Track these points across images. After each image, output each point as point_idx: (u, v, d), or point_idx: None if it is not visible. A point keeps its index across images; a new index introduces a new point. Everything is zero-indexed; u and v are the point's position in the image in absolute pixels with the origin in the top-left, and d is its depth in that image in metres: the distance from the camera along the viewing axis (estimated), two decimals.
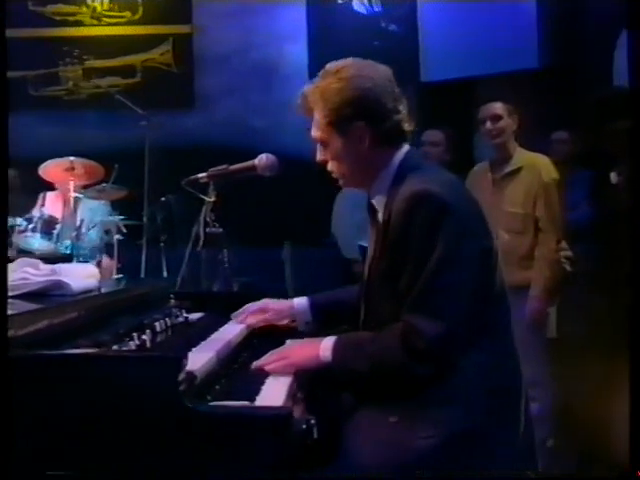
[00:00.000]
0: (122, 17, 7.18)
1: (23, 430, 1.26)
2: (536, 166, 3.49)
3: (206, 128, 6.87)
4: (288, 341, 1.91)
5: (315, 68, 7.45)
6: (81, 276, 1.95)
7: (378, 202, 1.86)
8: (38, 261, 1.94)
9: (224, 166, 2.38)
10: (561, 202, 3.49)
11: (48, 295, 1.84)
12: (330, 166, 1.89)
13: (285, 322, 2.24)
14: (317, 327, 2.22)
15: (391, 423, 1.70)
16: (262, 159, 2.28)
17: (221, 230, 2.55)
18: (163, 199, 5.00)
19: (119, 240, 3.85)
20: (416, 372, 1.67)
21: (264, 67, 6.81)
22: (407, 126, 1.86)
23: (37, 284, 1.83)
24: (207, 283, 2.64)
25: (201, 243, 2.47)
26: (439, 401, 1.69)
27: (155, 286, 2.41)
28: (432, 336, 1.64)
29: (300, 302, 2.21)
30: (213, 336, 2.04)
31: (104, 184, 4.54)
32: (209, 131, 6.85)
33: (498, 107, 3.51)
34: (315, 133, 1.87)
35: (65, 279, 1.86)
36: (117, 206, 4.83)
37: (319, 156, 1.92)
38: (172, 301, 2.46)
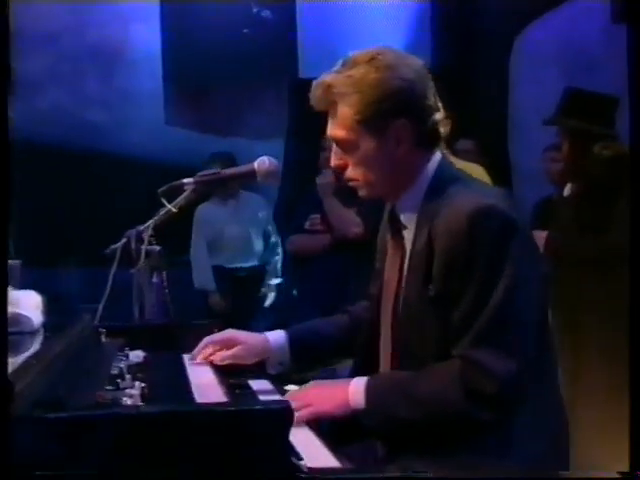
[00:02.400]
0: None
1: None
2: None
3: (30, 121, 6.44)
4: (311, 382, 1.80)
5: (170, 55, 7.33)
6: (34, 307, 1.72)
7: (408, 216, 1.80)
8: None
9: (214, 170, 2.21)
10: None
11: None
12: (351, 172, 1.80)
13: (255, 360, 2.10)
14: (293, 368, 2.11)
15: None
16: (264, 163, 2.14)
17: (159, 248, 2.37)
18: None
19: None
20: (478, 418, 1.63)
21: (104, 50, 6.50)
22: (443, 128, 1.82)
23: None
24: (138, 312, 2.43)
25: (140, 263, 2.28)
26: (497, 451, 1.66)
27: (84, 320, 2.19)
28: (503, 376, 1.61)
29: (277, 337, 2.07)
30: (194, 381, 1.89)
31: None
32: (34, 124, 6.43)
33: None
34: (337, 132, 1.77)
35: (24, 312, 1.63)
36: None
37: (335, 160, 1.83)
38: (103, 337, 2.24)
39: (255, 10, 5.99)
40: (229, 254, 5.50)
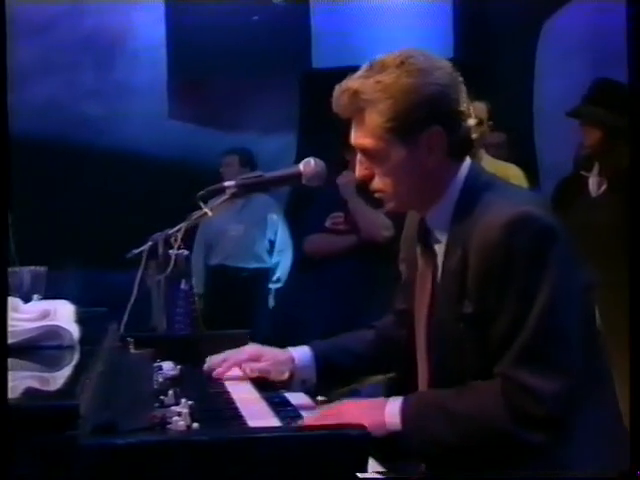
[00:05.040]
0: None
1: None
2: (508, 178, 3.55)
3: (24, 114, 6.41)
4: (345, 400, 1.78)
5: (175, 44, 7.28)
6: (70, 318, 1.70)
7: (439, 230, 1.79)
8: (17, 300, 1.68)
9: (257, 174, 2.19)
10: None
11: (38, 347, 1.60)
12: (378, 183, 1.78)
13: (283, 377, 2.07)
14: (316, 386, 2.08)
15: None
16: (310, 165, 2.11)
17: (187, 253, 2.35)
18: None
19: None
20: (526, 440, 1.60)
21: (103, 39, 6.48)
22: (475, 134, 1.81)
23: (26, 332, 1.58)
24: (164, 322, 2.41)
25: (170, 269, 2.26)
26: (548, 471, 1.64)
27: (112, 330, 2.18)
28: (549, 396, 1.59)
29: (302, 354, 2.05)
30: (235, 397, 1.88)
31: None
32: (28, 118, 6.40)
33: (482, 110, 3.52)
34: (364, 141, 1.75)
35: (63, 325, 1.62)
36: None
37: (360, 171, 1.81)
38: (132, 348, 2.23)
39: None
40: (231, 253, 5.59)
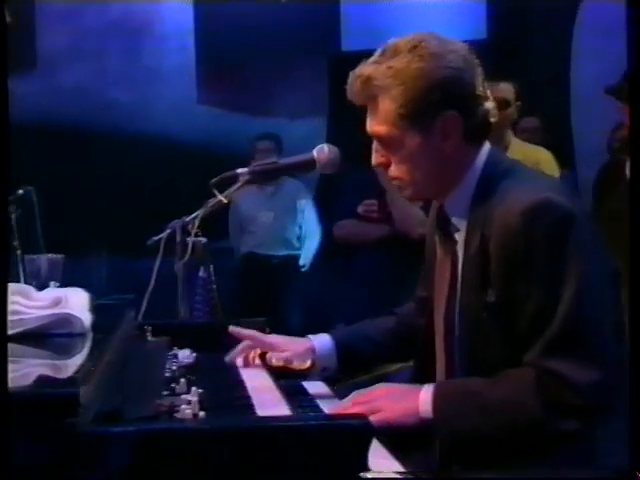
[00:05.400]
0: None
1: None
2: (538, 162, 3.53)
3: (51, 99, 6.49)
4: (380, 384, 1.79)
5: (203, 29, 7.30)
6: (83, 306, 1.73)
7: (458, 217, 1.79)
8: (29, 287, 1.71)
9: (271, 160, 2.21)
10: None
11: (48, 335, 1.63)
12: (394, 170, 1.79)
13: (305, 366, 2.09)
14: (336, 373, 2.10)
15: None
16: (324, 151, 2.12)
17: (205, 240, 2.38)
18: (20, 192, 4.64)
19: None
20: (560, 429, 1.60)
21: (131, 25, 6.53)
22: (493, 118, 1.80)
23: (37, 320, 1.61)
24: (183, 309, 2.44)
25: (187, 256, 2.29)
26: (579, 462, 1.63)
27: (129, 317, 2.21)
28: (586, 386, 1.58)
29: (322, 342, 2.07)
30: (249, 385, 1.90)
31: None
32: (55, 103, 6.48)
33: (509, 91, 3.49)
34: (378, 128, 1.75)
35: (75, 312, 1.65)
36: None
37: (376, 159, 1.82)
38: (149, 335, 2.26)
39: None
40: (262, 241, 5.65)
